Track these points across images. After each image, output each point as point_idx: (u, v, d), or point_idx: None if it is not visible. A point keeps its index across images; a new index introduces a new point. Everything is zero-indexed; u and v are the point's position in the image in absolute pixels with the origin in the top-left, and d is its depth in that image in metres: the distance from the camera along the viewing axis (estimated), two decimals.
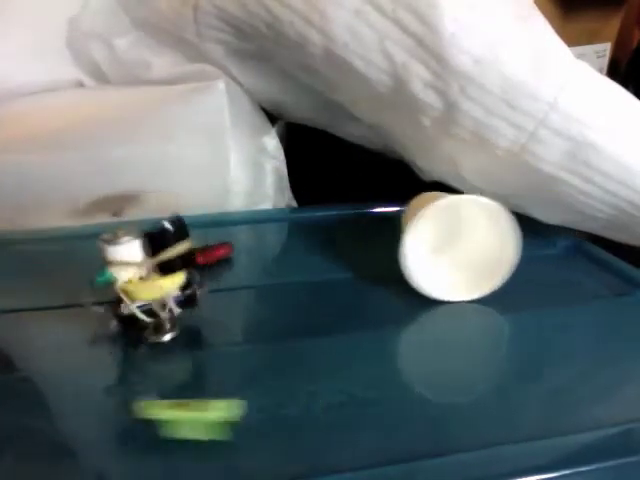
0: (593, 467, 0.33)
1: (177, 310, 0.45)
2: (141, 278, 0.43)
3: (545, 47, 0.54)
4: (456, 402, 0.39)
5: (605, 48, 0.82)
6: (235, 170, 0.67)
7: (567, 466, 0.33)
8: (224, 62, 0.67)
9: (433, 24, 0.53)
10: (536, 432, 0.36)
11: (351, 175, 0.77)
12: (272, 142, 0.71)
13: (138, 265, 0.43)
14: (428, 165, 0.65)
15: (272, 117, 0.75)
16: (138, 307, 0.43)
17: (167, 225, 0.43)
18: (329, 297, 0.52)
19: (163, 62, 0.70)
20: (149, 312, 0.44)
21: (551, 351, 0.44)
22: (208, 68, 0.68)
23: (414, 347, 0.47)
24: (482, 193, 0.62)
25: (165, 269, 0.43)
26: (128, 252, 0.42)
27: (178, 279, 0.44)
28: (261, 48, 0.63)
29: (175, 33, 0.67)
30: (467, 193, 0.64)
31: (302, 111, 0.73)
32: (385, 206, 0.70)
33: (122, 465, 0.34)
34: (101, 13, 0.71)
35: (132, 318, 0.44)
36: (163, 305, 0.44)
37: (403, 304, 0.50)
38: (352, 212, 0.69)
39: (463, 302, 0.50)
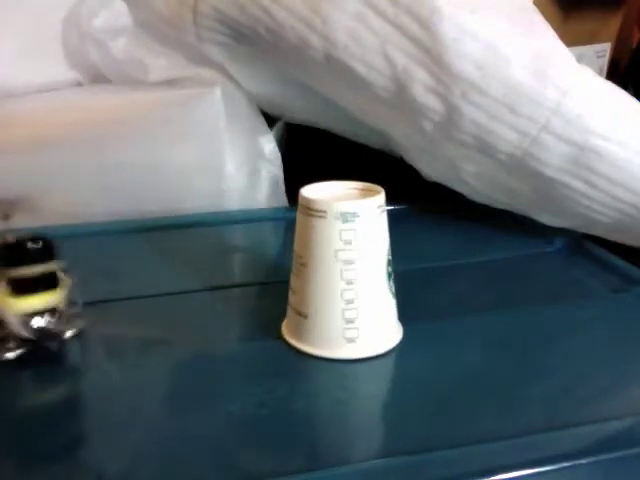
0: (594, 459, 0.33)
1: (25, 333, 0.40)
2: None
3: (547, 52, 0.54)
4: (458, 398, 0.39)
5: (605, 48, 0.82)
6: (230, 174, 0.67)
7: (569, 459, 0.33)
8: (223, 63, 0.67)
9: (434, 29, 0.53)
10: (537, 426, 0.36)
11: (350, 174, 0.77)
12: (269, 146, 0.71)
13: None
14: (429, 168, 0.64)
15: (272, 117, 0.74)
16: None
17: (29, 242, 0.40)
18: None
19: (160, 65, 0.69)
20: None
21: (550, 347, 0.45)
22: (205, 72, 0.67)
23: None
24: (484, 197, 0.63)
25: (19, 287, 0.40)
26: None
27: (32, 302, 0.40)
28: (261, 51, 0.63)
29: (174, 35, 0.66)
30: (469, 197, 0.64)
31: (301, 112, 0.72)
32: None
33: None
34: (98, 14, 0.71)
35: None
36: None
37: None
38: None
39: (462, 300, 0.50)
